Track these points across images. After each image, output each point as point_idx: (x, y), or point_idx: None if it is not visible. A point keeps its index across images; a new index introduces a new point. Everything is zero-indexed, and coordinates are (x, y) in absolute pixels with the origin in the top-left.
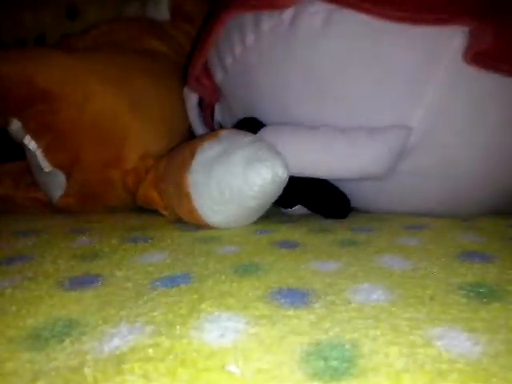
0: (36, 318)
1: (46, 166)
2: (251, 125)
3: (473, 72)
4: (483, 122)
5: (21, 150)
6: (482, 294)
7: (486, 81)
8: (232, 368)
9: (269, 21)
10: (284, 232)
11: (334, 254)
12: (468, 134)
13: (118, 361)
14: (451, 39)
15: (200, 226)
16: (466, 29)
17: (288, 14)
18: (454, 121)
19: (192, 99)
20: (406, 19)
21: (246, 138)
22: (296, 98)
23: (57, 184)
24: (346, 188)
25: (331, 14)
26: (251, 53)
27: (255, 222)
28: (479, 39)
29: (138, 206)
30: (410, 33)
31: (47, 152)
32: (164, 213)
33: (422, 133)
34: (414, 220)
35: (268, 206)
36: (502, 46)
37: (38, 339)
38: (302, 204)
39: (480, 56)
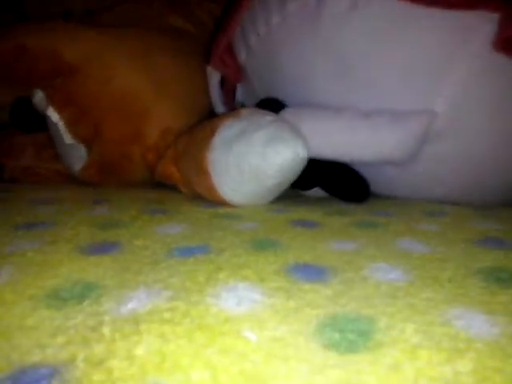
0: (56, 279)
1: (68, 138)
2: (273, 105)
3: (501, 59)
4: (510, 109)
5: (44, 121)
6: (502, 278)
7: None
8: (248, 334)
9: (295, 1)
10: (302, 212)
11: (352, 234)
12: (494, 121)
13: (136, 322)
14: (480, 25)
15: (218, 203)
16: (495, 15)
17: None
18: (480, 107)
19: (214, 78)
20: (435, 3)
21: (268, 117)
22: (320, 81)
23: (77, 156)
24: (366, 172)
25: None
26: (276, 33)
27: (273, 202)
28: (509, 26)
29: (157, 182)
30: (438, 17)
31: (69, 124)
32: (182, 189)
33: (447, 118)
34: (435, 206)
35: (286, 186)
36: None
37: (58, 299)
38: (321, 186)
39: (509, 43)
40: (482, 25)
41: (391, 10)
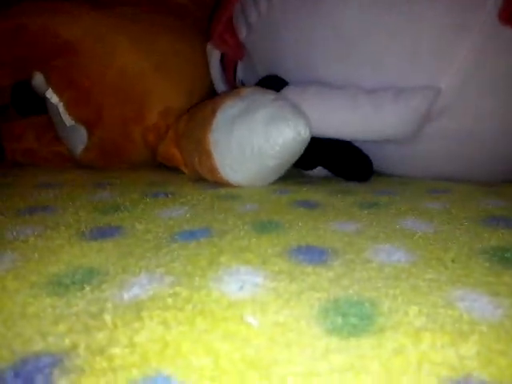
0: (57, 265)
1: (68, 120)
2: (274, 83)
3: (507, 35)
4: None
5: (43, 104)
6: (506, 258)
7: None
8: (250, 319)
9: None
10: (304, 192)
11: (354, 215)
12: (499, 98)
13: (138, 308)
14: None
15: (220, 183)
16: None
17: None
18: (485, 84)
19: (215, 56)
20: None
21: (269, 96)
22: (322, 57)
23: (78, 138)
24: (369, 151)
25: None
26: (277, 9)
27: (275, 182)
28: None
29: (159, 163)
30: None
31: (69, 106)
32: (184, 170)
33: (451, 95)
34: (438, 184)
35: (289, 166)
36: None
37: (59, 286)
38: (324, 166)
39: None
40: None
41: None
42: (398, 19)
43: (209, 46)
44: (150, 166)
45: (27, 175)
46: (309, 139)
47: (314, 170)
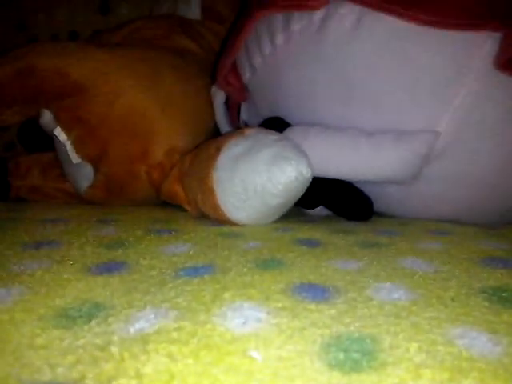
0: (64, 299)
1: (75, 157)
2: (277, 124)
3: (504, 78)
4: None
5: (50, 141)
6: (505, 298)
7: None
8: (254, 353)
9: (299, 21)
10: (306, 231)
11: (355, 254)
12: (496, 140)
13: (144, 341)
14: (482, 44)
15: (223, 221)
16: (497, 34)
17: (318, 15)
18: (483, 127)
19: (219, 97)
20: (437, 24)
21: (272, 136)
22: (323, 100)
23: (84, 175)
24: (370, 191)
25: (361, 16)
26: (280, 53)
27: (277, 221)
28: (511, 45)
29: (163, 201)
30: (440, 37)
31: (76, 144)
32: (187, 208)
33: (450, 138)
34: (438, 225)
35: (291, 205)
36: None
37: (67, 318)
38: (325, 205)
39: None
40: (484, 44)
41: (393, 31)
42: (397, 63)
43: (213, 88)
44: (154, 203)
45: (32, 210)
46: (311, 179)
47: (316, 209)
